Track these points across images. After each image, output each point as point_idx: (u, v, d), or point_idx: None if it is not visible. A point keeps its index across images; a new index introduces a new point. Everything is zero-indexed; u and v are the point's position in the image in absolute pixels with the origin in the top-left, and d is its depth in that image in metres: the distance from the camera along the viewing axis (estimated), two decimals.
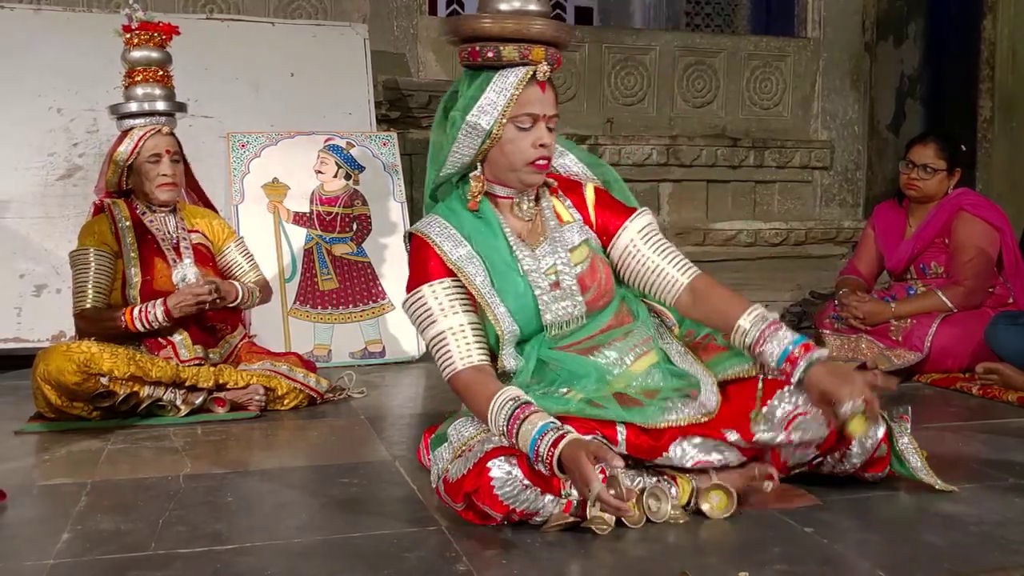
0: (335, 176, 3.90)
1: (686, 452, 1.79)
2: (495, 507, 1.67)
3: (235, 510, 1.91)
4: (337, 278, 3.78)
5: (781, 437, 1.79)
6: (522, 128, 1.87)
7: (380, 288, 3.80)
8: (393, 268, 3.83)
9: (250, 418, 2.71)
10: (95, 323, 2.75)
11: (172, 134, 2.93)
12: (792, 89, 5.29)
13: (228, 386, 2.74)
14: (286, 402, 2.81)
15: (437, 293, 1.87)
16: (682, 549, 1.65)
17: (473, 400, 1.80)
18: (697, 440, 1.79)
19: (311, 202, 3.85)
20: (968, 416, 2.71)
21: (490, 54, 1.85)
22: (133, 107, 2.88)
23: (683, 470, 1.80)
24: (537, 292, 1.90)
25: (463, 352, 1.83)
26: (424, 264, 1.90)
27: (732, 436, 1.79)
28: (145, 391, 2.63)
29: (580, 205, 2.02)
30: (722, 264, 4.82)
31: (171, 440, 2.47)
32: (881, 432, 1.86)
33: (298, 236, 3.78)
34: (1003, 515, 1.80)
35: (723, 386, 1.87)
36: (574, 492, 1.68)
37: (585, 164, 2.12)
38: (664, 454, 1.79)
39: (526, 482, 1.67)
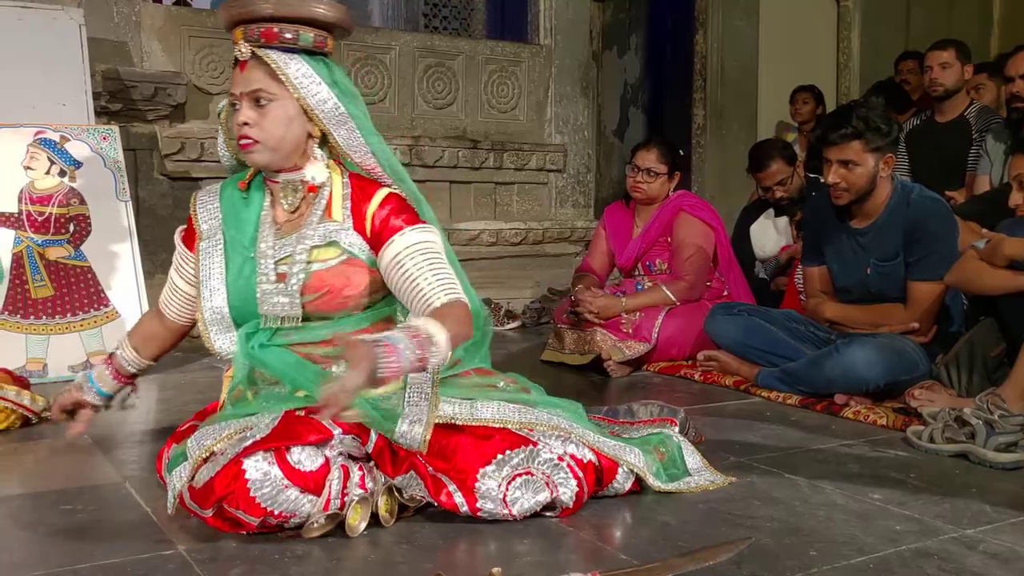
0: (47, 172, 3.54)
1: (411, 485, 1.75)
2: (251, 511, 1.60)
3: None
4: (52, 284, 3.44)
5: (501, 509, 1.72)
6: (235, 109, 1.87)
7: (103, 295, 3.50)
8: (117, 272, 3.54)
9: None
10: None
11: None
12: (527, 94, 5.50)
13: None
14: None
15: (178, 254, 2.05)
16: (435, 549, 1.65)
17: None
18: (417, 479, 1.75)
19: (20, 201, 3.47)
20: (692, 400, 2.95)
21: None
22: None
23: None
24: (259, 279, 1.87)
25: (163, 295, 2.10)
26: (185, 229, 2.05)
27: (457, 498, 1.71)
28: None
29: (359, 205, 1.90)
30: (466, 263, 4.85)
31: None
32: (637, 460, 1.89)
33: (5, 239, 3.40)
34: (727, 492, 1.97)
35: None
36: (333, 489, 1.64)
37: (390, 173, 1.98)
38: (397, 478, 1.76)
39: (286, 482, 1.60)
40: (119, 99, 4.14)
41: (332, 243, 1.89)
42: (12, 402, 2.56)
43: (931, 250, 2.85)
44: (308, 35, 1.84)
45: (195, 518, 1.70)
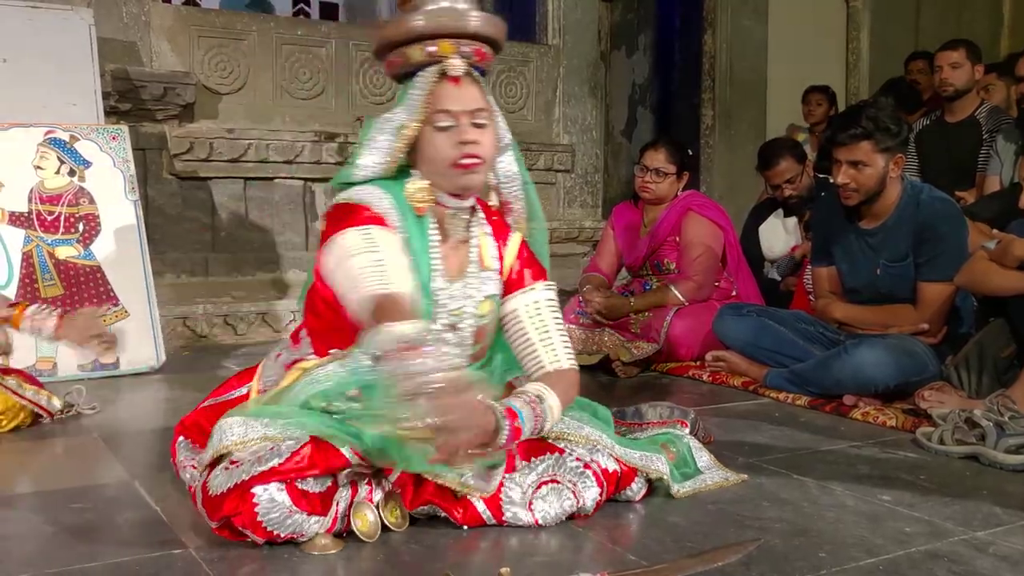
0: (57, 172, 3.55)
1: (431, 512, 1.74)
2: (257, 532, 1.58)
3: None
4: (62, 283, 3.45)
5: (526, 517, 1.72)
6: (440, 127, 1.76)
7: (112, 293, 3.51)
8: (126, 272, 3.55)
9: None
10: None
11: None
12: (535, 94, 5.49)
13: None
14: (4, 423, 2.52)
15: (356, 236, 1.66)
16: (447, 550, 1.65)
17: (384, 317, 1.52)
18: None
19: (30, 200, 3.48)
20: (700, 401, 2.95)
21: (397, 60, 1.79)
22: None
23: None
24: (434, 327, 1.79)
25: (377, 278, 1.61)
26: (352, 215, 1.72)
27: (480, 508, 1.71)
28: None
29: (501, 248, 1.90)
30: None
31: None
32: (664, 468, 1.88)
33: (15, 238, 3.41)
34: (736, 493, 1.96)
35: None
36: (340, 508, 1.63)
37: (527, 204, 1.94)
38: (419, 508, 1.73)
39: (293, 508, 1.59)
40: (128, 99, 4.15)
41: (492, 298, 1.88)
42: (30, 401, 2.57)
43: (941, 251, 2.83)
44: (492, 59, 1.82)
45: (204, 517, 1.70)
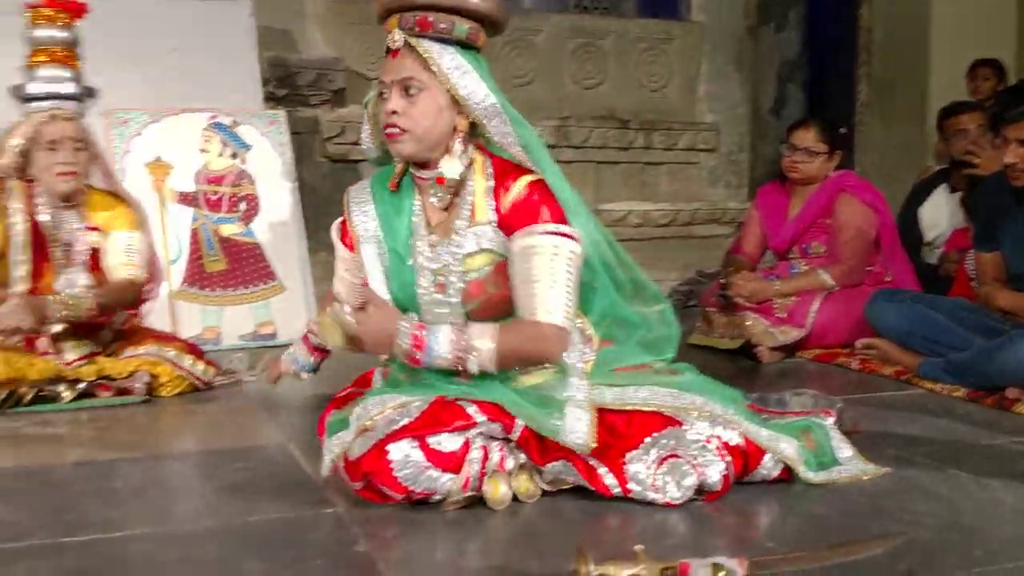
0: (220, 155, 3.78)
1: (562, 471, 1.76)
2: (395, 488, 1.67)
3: (125, 497, 1.84)
4: (225, 259, 3.67)
5: (651, 493, 1.72)
6: (383, 98, 1.85)
7: (270, 269, 3.71)
8: (282, 249, 3.74)
9: (136, 403, 2.61)
10: None
11: (75, 119, 2.70)
12: (679, 72, 5.40)
13: (112, 376, 2.64)
14: (168, 387, 2.72)
15: (338, 256, 2.07)
16: (579, 524, 1.67)
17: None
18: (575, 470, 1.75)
19: (196, 181, 3.72)
20: (848, 390, 2.84)
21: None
22: (33, 89, 2.66)
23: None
24: (419, 291, 1.89)
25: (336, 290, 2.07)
26: (341, 225, 2.05)
27: (608, 480, 1.73)
28: (24, 388, 2.51)
29: (500, 193, 1.86)
30: None
31: (55, 426, 2.36)
32: (790, 450, 1.84)
33: (184, 216, 3.66)
34: (883, 485, 1.89)
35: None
36: (473, 469, 1.69)
37: (539, 167, 1.90)
38: (547, 466, 1.76)
39: (426, 463, 1.66)
40: (284, 85, 4.36)
41: (484, 250, 1.87)
42: (186, 370, 2.77)
43: None
44: (463, 26, 1.81)
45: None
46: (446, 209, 1.90)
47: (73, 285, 2.67)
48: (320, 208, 4.50)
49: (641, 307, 2.02)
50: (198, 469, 2.04)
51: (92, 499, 1.80)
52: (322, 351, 2.44)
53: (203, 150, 3.75)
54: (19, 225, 2.65)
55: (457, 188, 1.88)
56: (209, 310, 3.56)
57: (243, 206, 3.74)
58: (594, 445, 1.72)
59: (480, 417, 1.72)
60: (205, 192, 3.71)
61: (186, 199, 3.67)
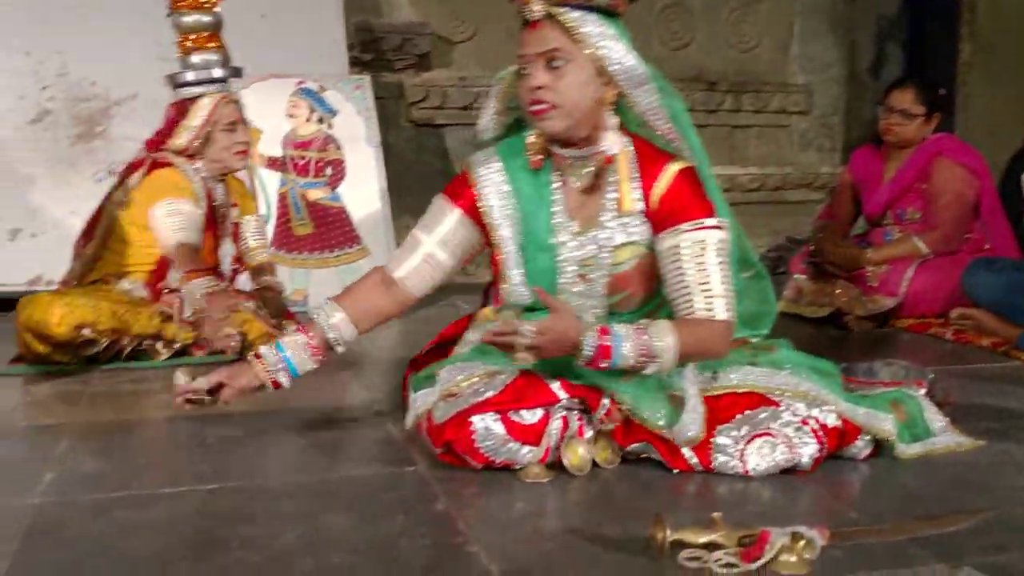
0: (308, 120, 3.85)
1: (644, 451, 1.75)
2: (475, 457, 1.69)
3: (216, 451, 1.91)
4: (312, 223, 3.75)
5: (737, 466, 1.69)
6: (523, 73, 1.78)
7: (355, 233, 3.78)
8: (367, 213, 3.80)
9: (228, 362, 2.70)
10: (191, 258, 2.72)
11: (239, 100, 2.89)
12: (770, 32, 5.24)
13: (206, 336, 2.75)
14: (258, 345, 2.80)
15: (443, 220, 1.91)
16: (660, 490, 1.67)
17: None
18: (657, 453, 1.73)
19: (284, 146, 3.80)
20: (942, 361, 2.75)
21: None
22: (190, 76, 2.79)
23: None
24: (561, 281, 1.84)
25: (401, 262, 1.93)
26: (457, 194, 1.90)
27: (690, 457, 1.70)
28: (126, 340, 2.63)
29: (649, 183, 1.81)
30: None
31: (151, 383, 2.47)
32: (889, 426, 1.78)
33: (272, 181, 3.75)
34: (975, 458, 1.83)
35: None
36: (552, 440, 1.69)
37: (687, 144, 1.87)
38: (632, 445, 1.75)
39: (507, 437, 1.68)
40: (370, 50, 4.40)
41: (633, 243, 1.83)
42: (276, 329, 2.84)
43: None
44: None
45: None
46: (586, 192, 1.84)
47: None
48: (404, 173, 4.54)
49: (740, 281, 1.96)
50: (285, 426, 2.10)
51: (184, 453, 1.88)
52: (328, 354, 1.96)
53: (291, 115, 3.82)
54: (200, 194, 2.82)
55: (600, 171, 1.82)
56: (297, 272, 3.65)
57: (329, 171, 3.81)
58: (700, 439, 1.68)
59: (563, 394, 1.72)
60: (292, 157, 3.79)
61: (274, 164, 3.76)
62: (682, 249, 1.78)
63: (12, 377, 2.53)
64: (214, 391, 1.89)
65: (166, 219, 2.74)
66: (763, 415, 1.71)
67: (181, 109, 2.82)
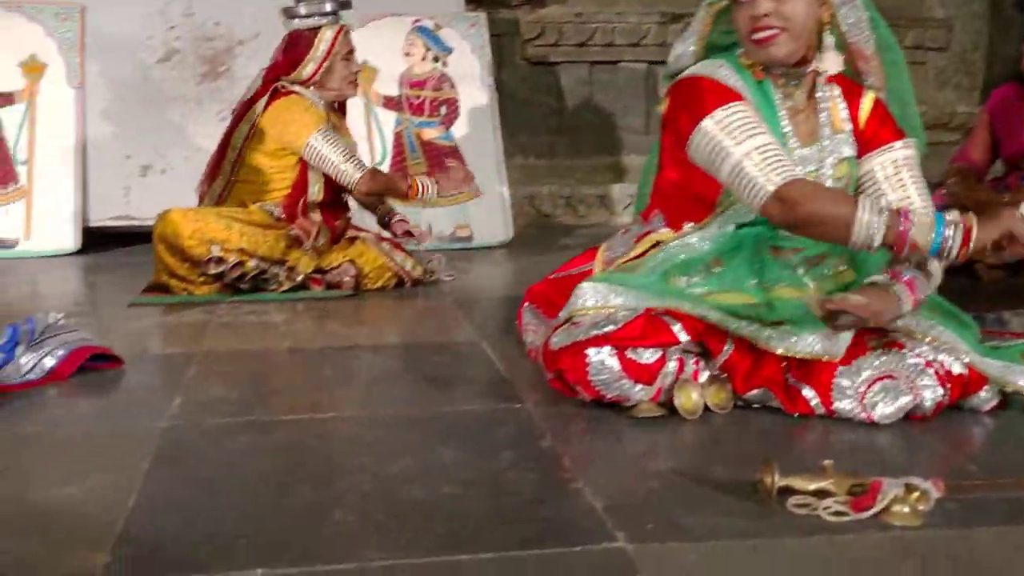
0: (423, 59, 3.86)
1: (762, 399, 1.71)
2: (587, 389, 1.70)
3: (332, 382, 1.98)
4: (426, 162, 3.79)
5: (857, 409, 1.65)
6: (740, 2, 1.75)
7: (468, 173, 3.79)
8: (480, 153, 3.81)
9: (344, 296, 2.79)
10: (385, 181, 2.93)
11: (351, 31, 2.97)
12: None
13: (323, 267, 2.84)
14: (371, 279, 2.88)
15: (724, 121, 1.71)
16: (771, 437, 1.64)
17: (820, 207, 1.65)
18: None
19: (400, 85, 3.83)
20: None
21: None
22: (303, 10, 2.88)
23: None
24: None
25: (767, 172, 1.67)
26: (706, 95, 1.76)
27: (811, 398, 1.67)
28: (251, 263, 2.74)
29: (854, 114, 1.87)
30: None
31: (272, 315, 2.57)
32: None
33: (388, 120, 3.79)
34: None
35: None
36: (666, 382, 1.68)
37: (887, 62, 1.88)
38: (753, 391, 1.71)
39: (621, 373, 1.67)
40: None
41: (848, 160, 1.85)
42: (397, 265, 2.92)
43: None
44: None
45: (541, 377, 1.84)
46: (801, 112, 1.85)
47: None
48: (518, 111, 4.53)
49: None
50: (399, 360, 2.16)
51: (303, 383, 1.96)
52: None
53: (406, 54, 3.85)
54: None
55: (812, 91, 1.85)
56: (411, 211, 3.69)
57: (443, 110, 3.83)
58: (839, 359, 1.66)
59: (684, 337, 1.70)
60: (408, 96, 3.82)
61: (390, 103, 3.80)
62: (900, 165, 1.81)
63: (144, 307, 2.68)
64: None
65: (327, 147, 2.82)
66: (886, 357, 1.66)
67: (303, 41, 2.87)
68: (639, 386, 1.68)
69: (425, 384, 1.96)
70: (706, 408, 1.70)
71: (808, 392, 1.67)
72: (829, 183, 1.81)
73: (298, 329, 2.44)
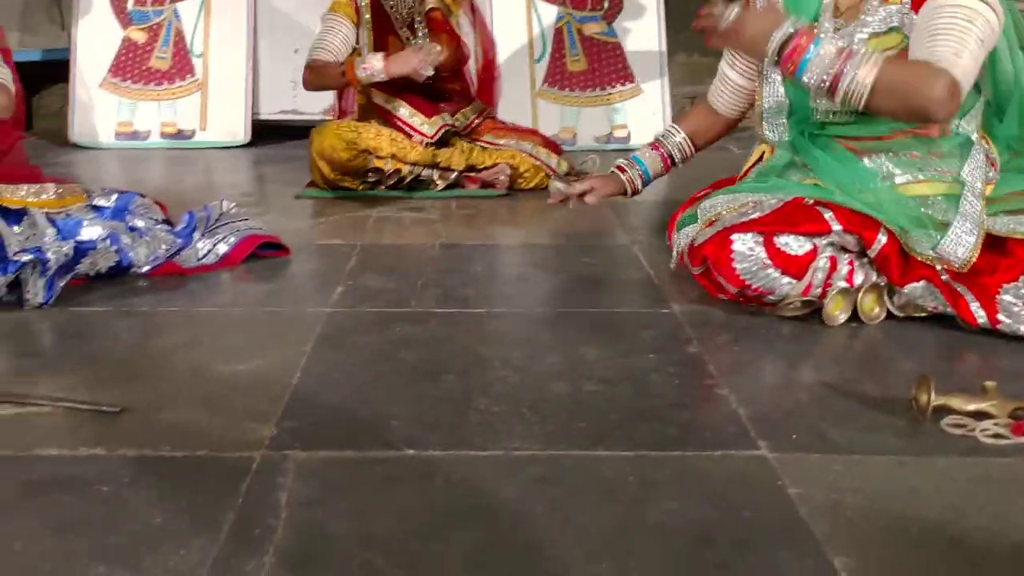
0: None
1: (922, 296, 1.63)
2: (731, 280, 1.67)
3: (483, 278, 2.04)
4: (586, 59, 3.72)
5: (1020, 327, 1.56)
6: None
7: (629, 71, 3.70)
8: (642, 49, 3.70)
9: (497, 196, 2.83)
10: (319, 73, 2.83)
11: None
12: None
13: (477, 166, 2.87)
14: (526, 179, 2.89)
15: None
16: (928, 352, 1.57)
17: None
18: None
19: None
20: None
21: None
22: None
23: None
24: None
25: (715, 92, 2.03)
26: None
27: (975, 309, 1.58)
28: (406, 168, 2.81)
29: None
30: None
31: (428, 212, 2.64)
32: None
33: (549, 13, 3.73)
34: None
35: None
36: (817, 277, 1.63)
37: None
38: (906, 287, 1.64)
39: (767, 261, 1.64)
40: None
41: (893, 29, 1.72)
42: (543, 163, 2.91)
43: None
44: None
45: (690, 284, 1.83)
46: None
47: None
48: (684, 7, 4.33)
49: None
50: (549, 259, 2.19)
51: (456, 278, 2.01)
52: (671, 165, 2.11)
53: None
54: (367, 8, 2.90)
55: None
56: (568, 110, 3.67)
57: (606, 4, 3.72)
58: (970, 263, 1.59)
59: (836, 226, 1.65)
60: None
61: None
62: (947, 8, 1.61)
63: (307, 201, 2.80)
64: (582, 195, 2.03)
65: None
66: None
67: None
68: (786, 278, 1.64)
69: (574, 284, 1.98)
70: (857, 318, 1.64)
71: (976, 308, 1.58)
72: None
73: (452, 226, 2.49)
